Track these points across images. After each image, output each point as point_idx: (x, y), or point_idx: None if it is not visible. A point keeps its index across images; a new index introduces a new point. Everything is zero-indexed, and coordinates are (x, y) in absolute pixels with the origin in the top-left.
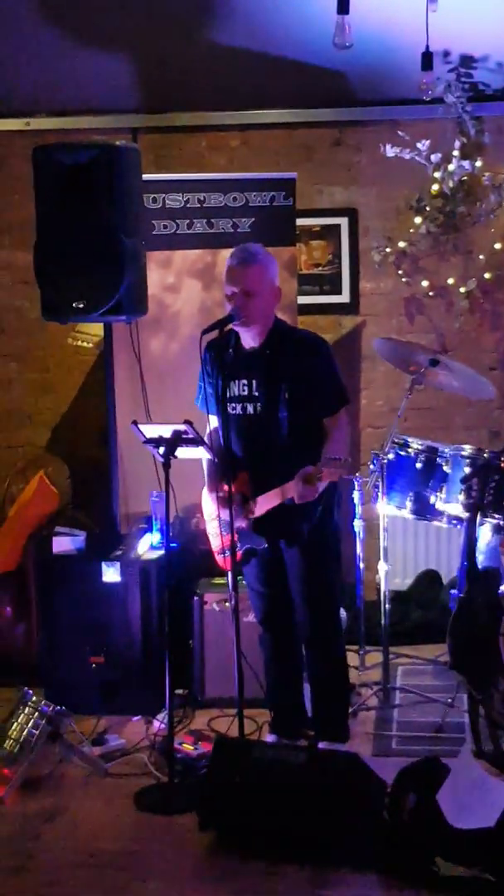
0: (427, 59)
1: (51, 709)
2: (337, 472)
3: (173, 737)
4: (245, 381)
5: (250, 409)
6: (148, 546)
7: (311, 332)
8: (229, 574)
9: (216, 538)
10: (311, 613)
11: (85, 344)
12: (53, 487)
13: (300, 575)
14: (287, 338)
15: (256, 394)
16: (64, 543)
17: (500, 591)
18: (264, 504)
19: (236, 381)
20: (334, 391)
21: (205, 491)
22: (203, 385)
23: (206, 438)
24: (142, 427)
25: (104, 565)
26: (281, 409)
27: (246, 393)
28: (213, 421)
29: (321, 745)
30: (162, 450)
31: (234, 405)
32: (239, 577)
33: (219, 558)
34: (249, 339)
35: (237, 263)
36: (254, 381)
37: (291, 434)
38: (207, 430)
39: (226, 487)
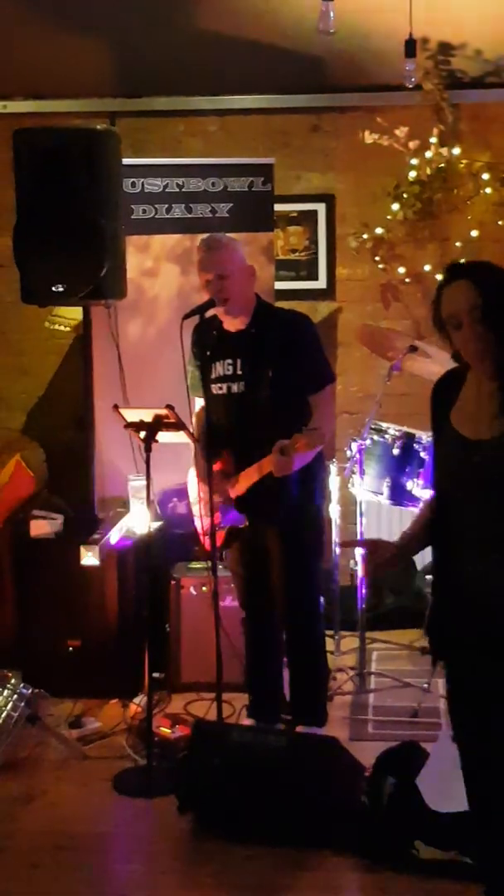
0: (410, 46)
1: (29, 691)
2: (313, 442)
3: (152, 720)
4: (230, 361)
5: (235, 388)
6: (126, 530)
7: (295, 311)
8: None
9: (201, 520)
10: (291, 597)
11: (62, 328)
12: (29, 471)
13: (281, 558)
14: (271, 317)
15: (241, 373)
16: (41, 527)
17: None
18: (244, 481)
19: (222, 362)
20: (319, 369)
21: (191, 473)
22: (190, 369)
23: (191, 420)
24: (123, 411)
25: (82, 549)
26: (265, 388)
27: (231, 373)
28: (199, 404)
29: (298, 728)
30: (143, 434)
31: (219, 385)
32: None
33: (205, 540)
34: (236, 322)
35: (205, 251)
36: (239, 361)
37: (276, 412)
38: (193, 413)
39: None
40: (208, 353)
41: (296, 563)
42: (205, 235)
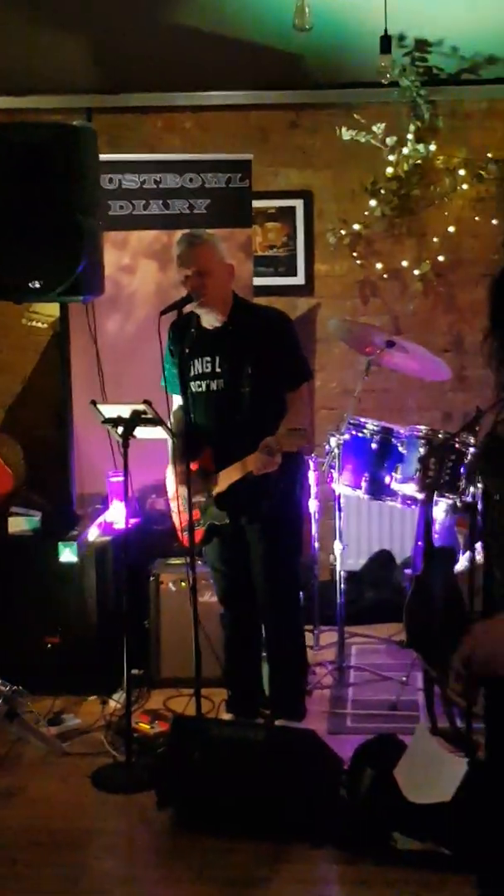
0: (385, 42)
1: (8, 688)
2: (297, 442)
3: (131, 715)
4: (209, 359)
5: (214, 385)
6: (104, 526)
7: (273, 308)
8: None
9: (179, 516)
10: (271, 592)
11: (39, 324)
12: (8, 468)
13: (261, 554)
14: (249, 314)
15: (219, 370)
16: (20, 524)
17: (455, 570)
18: (226, 478)
19: (200, 359)
20: (297, 366)
21: (169, 469)
22: (166, 366)
23: (170, 417)
24: (100, 407)
25: (60, 545)
26: (244, 384)
27: (209, 370)
28: (177, 401)
29: (277, 722)
30: (120, 430)
31: (198, 383)
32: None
33: (182, 536)
34: (212, 318)
35: (186, 246)
36: (217, 358)
37: (254, 409)
38: (171, 410)
39: (192, 465)
40: (187, 350)
41: (276, 559)
42: (185, 230)
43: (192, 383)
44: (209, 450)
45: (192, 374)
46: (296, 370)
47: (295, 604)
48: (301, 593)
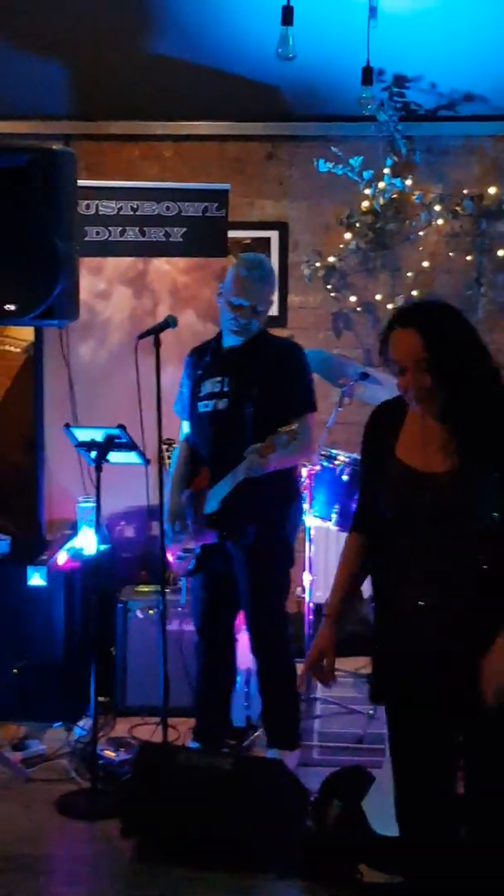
0: (367, 74)
1: None
2: (285, 443)
3: (97, 742)
4: (219, 379)
5: (220, 405)
6: (74, 552)
7: (290, 340)
8: (182, 579)
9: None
10: (257, 622)
11: (13, 348)
12: None
13: (247, 581)
14: (267, 342)
15: (227, 390)
16: None
17: None
18: (218, 493)
19: (211, 380)
20: (302, 395)
21: (168, 495)
22: (181, 390)
23: (179, 445)
24: (74, 430)
25: (29, 570)
26: (248, 405)
27: (218, 390)
28: (187, 427)
29: (270, 753)
30: (94, 454)
31: (205, 402)
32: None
33: (176, 564)
34: (234, 339)
35: (256, 278)
36: (227, 378)
37: (256, 431)
38: (181, 437)
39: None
40: (200, 372)
41: (261, 586)
42: (253, 254)
43: (199, 403)
44: (206, 469)
45: (201, 394)
46: (300, 398)
47: (282, 633)
48: (289, 625)
